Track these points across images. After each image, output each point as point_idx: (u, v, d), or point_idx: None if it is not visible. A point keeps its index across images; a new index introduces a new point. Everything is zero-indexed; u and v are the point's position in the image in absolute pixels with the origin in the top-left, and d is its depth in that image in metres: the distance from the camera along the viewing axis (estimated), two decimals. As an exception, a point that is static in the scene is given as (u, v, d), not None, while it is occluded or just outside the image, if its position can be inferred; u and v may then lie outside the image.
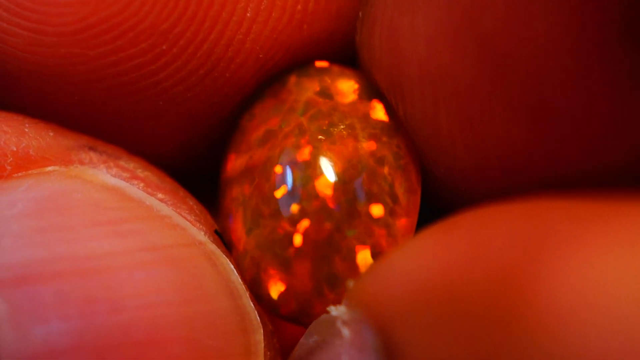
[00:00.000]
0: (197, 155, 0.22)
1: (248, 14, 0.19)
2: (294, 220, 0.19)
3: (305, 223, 0.19)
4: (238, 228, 0.19)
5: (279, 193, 0.19)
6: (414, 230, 0.20)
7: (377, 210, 0.19)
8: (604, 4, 0.16)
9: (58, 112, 0.20)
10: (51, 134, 0.19)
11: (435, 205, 0.21)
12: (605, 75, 0.16)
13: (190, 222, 0.18)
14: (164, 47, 0.19)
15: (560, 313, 0.13)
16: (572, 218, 0.15)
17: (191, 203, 0.19)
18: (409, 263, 0.17)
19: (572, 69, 0.16)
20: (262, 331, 0.18)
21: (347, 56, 0.21)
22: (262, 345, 0.18)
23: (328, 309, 0.18)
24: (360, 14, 0.21)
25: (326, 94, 0.20)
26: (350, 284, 0.18)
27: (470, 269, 0.15)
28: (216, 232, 0.19)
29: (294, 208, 0.19)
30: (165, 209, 0.18)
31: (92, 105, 0.20)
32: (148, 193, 0.18)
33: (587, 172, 0.17)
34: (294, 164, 0.19)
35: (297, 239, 0.19)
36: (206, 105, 0.20)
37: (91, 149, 0.19)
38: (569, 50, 0.16)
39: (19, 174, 0.18)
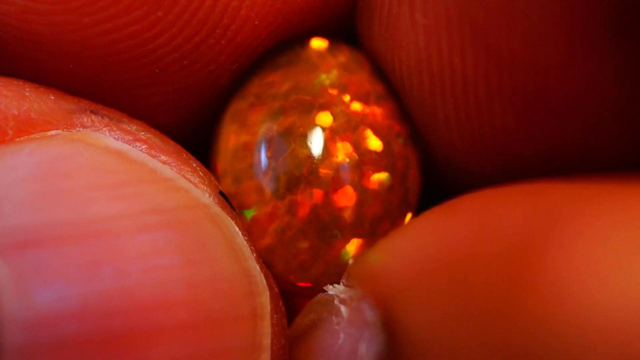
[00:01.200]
0: (194, 125, 0.21)
1: None
2: (332, 187, 0.19)
3: (339, 193, 0.19)
4: (263, 192, 0.19)
5: (320, 161, 0.19)
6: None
7: (402, 189, 0.19)
8: None
9: (53, 81, 0.19)
10: (52, 97, 0.19)
11: (434, 189, 0.21)
12: (597, 65, 0.16)
13: (194, 184, 0.18)
14: (159, 14, 0.18)
15: (568, 291, 0.13)
16: (580, 197, 0.15)
17: (195, 165, 0.19)
18: (412, 240, 0.17)
19: (564, 59, 0.17)
20: (268, 294, 0.17)
21: (344, 26, 0.21)
22: (269, 308, 0.17)
23: (325, 287, 0.18)
24: (359, 1, 0.20)
25: (350, 69, 0.20)
26: (350, 262, 0.18)
27: (476, 245, 0.15)
28: (220, 193, 0.19)
29: (336, 175, 0.19)
30: (169, 172, 0.18)
31: (87, 74, 0.19)
32: (151, 155, 0.18)
33: (582, 159, 0.18)
34: (335, 133, 0.19)
35: (328, 210, 0.19)
36: (203, 73, 0.20)
37: (93, 112, 0.19)
38: (561, 41, 0.16)
39: (21, 138, 0.18)
